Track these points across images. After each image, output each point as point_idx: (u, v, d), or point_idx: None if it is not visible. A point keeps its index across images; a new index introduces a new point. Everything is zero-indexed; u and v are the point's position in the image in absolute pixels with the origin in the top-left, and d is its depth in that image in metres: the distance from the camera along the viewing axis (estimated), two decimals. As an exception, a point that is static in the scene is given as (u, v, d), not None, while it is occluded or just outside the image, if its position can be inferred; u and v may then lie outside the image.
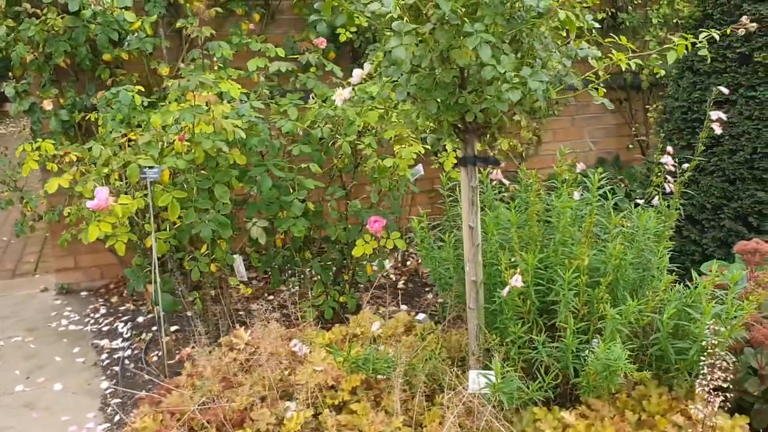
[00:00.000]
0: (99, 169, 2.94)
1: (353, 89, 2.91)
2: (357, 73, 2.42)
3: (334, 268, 3.57)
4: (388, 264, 4.67)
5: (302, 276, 3.61)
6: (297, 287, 3.70)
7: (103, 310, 4.21)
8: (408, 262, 4.66)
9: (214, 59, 3.67)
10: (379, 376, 2.46)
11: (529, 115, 4.92)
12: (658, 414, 2.34)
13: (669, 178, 2.82)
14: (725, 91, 2.65)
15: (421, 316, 3.19)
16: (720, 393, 2.04)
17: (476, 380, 2.27)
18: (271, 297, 4.04)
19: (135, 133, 3.03)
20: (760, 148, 3.39)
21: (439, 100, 2.08)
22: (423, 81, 2.05)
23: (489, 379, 2.19)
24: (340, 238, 3.40)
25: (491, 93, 1.89)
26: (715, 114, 2.52)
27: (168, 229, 3.04)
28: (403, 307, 3.86)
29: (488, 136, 2.32)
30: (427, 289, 4.19)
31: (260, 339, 2.74)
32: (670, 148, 2.77)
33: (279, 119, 3.29)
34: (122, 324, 3.96)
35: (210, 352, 2.73)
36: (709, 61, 3.20)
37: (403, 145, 3.09)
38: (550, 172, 3.23)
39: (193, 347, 2.93)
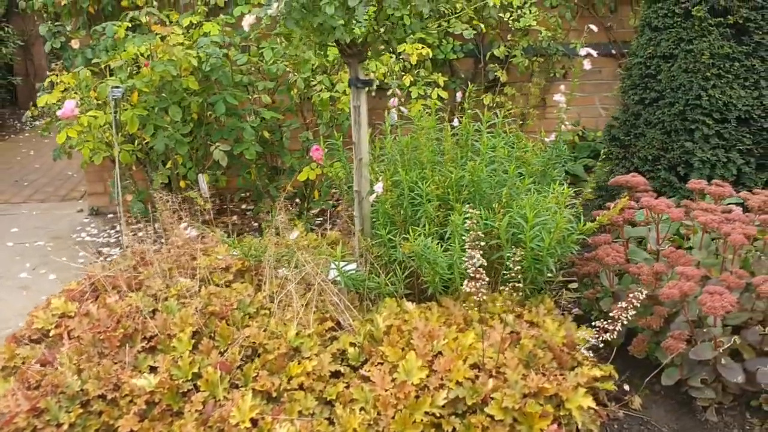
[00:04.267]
0: (83, 90, 3.49)
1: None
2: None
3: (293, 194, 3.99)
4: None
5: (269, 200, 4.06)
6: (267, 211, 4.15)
7: (118, 227, 4.84)
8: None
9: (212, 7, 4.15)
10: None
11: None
12: (497, 314, 2.62)
13: (564, 116, 3.05)
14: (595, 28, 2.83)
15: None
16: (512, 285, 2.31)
17: (332, 269, 2.63)
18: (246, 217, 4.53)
19: (114, 59, 3.56)
20: (692, 99, 3.49)
21: (300, 21, 2.44)
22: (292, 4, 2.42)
23: (335, 265, 2.54)
24: (294, 167, 3.81)
25: (327, 10, 2.23)
26: (584, 51, 2.72)
27: (136, 144, 3.57)
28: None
29: (367, 60, 2.64)
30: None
31: (193, 240, 3.21)
32: (563, 86, 2.98)
33: (243, 55, 3.73)
34: (127, 238, 4.57)
35: (157, 249, 3.23)
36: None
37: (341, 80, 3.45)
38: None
39: (156, 244, 3.44)
